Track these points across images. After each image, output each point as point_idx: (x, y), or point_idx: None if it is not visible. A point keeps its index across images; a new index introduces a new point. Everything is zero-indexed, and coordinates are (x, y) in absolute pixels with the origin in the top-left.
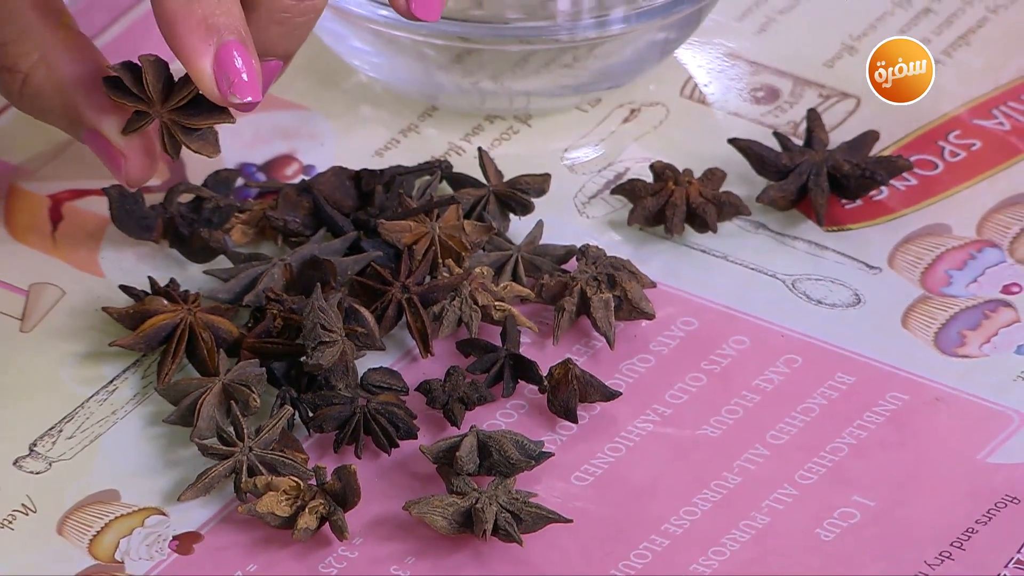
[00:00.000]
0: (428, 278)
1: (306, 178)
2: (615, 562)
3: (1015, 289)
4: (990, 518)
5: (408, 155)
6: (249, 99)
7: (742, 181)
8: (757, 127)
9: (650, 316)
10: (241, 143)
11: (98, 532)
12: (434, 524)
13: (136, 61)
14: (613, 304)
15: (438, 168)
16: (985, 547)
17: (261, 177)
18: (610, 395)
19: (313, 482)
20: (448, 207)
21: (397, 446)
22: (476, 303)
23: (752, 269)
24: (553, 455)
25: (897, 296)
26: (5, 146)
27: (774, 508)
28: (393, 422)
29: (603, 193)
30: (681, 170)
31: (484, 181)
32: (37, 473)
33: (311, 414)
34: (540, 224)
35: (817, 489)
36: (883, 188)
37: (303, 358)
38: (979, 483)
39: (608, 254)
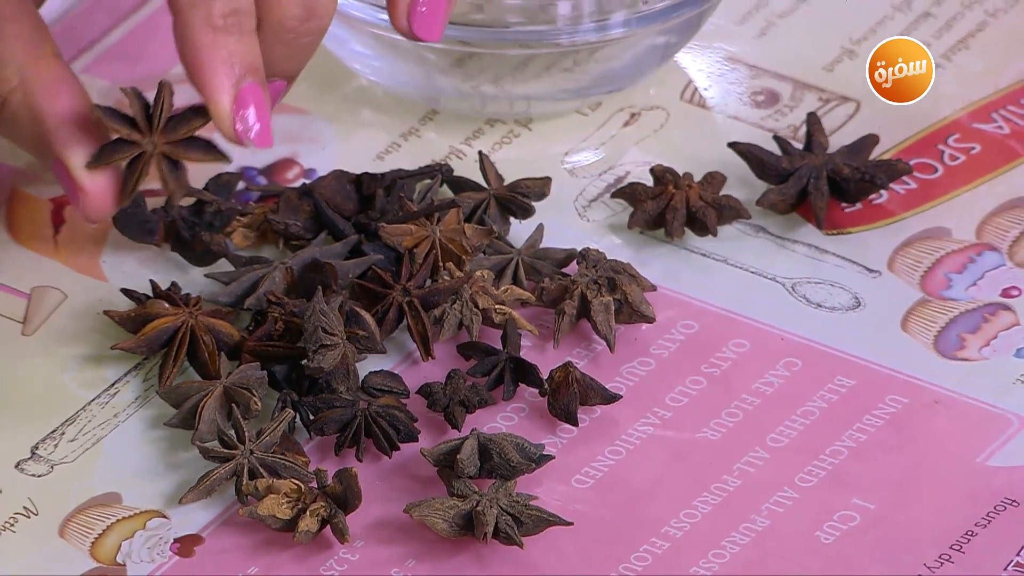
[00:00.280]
0: (429, 281)
1: (307, 182)
2: (615, 564)
3: (1014, 292)
4: (989, 521)
5: (409, 159)
6: (256, 143)
7: (742, 185)
8: (757, 131)
9: (650, 319)
10: (242, 147)
11: (100, 535)
12: (435, 527)
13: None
14: (613, 307)
15: (439, 172)
16: (984, 550)
17: (262, 181)
18: (610, 398)
19: (314, 485)
20: (449, 211)
21: (398, 449)
22: (477, 306)
23: (752, 272)
24: (553, 458)
25: (897, 299)
26: (8, 150)
27: (774, 511)
28: (394, 425)
29: (603, 197)
30: (681, 174)
31: (485, 185)
32: (39, 476)
33: (312, 417)
34: (540, 227)
35: (817, 492)
36: (883, 192)
37: (304, 361)
38: (978, 486)
39: (608, 257)
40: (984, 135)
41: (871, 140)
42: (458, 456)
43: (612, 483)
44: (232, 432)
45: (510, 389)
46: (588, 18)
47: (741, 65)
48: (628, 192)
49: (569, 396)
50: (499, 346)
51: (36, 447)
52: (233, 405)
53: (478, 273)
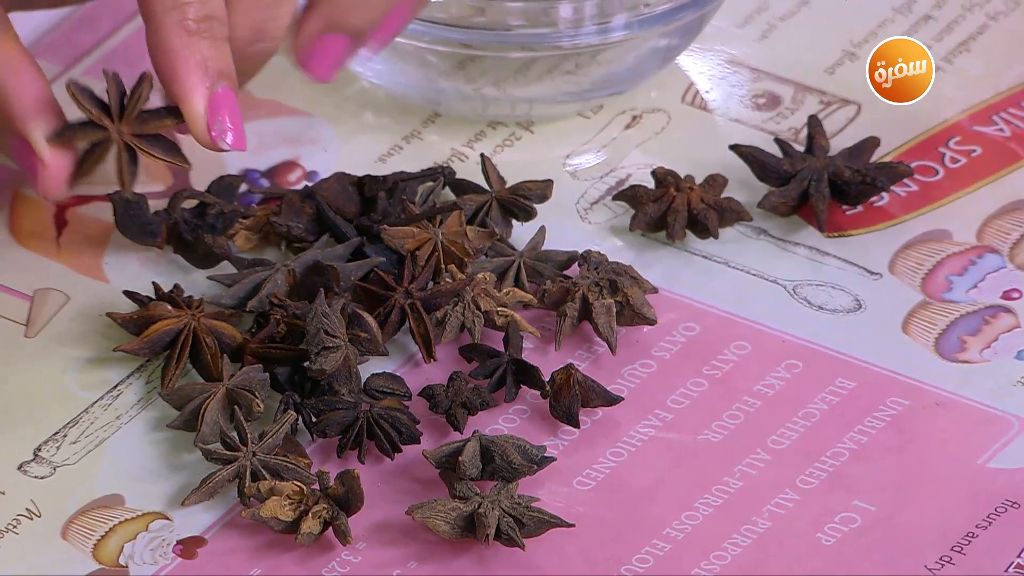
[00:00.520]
0: (431, 284)
1: (309, 184)
2: (617, 566)
3: (1015, 295)
4: (990, 523)
5: (411, 161)
6: (233, 147)
7: (743, 187)
8: (758, 133)
9: (652, 321)
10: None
11: (102, 537)
12: (437, 528)
13: (108, 77)
14: (615, 309)
15: (441, 174)
16: (985, 552)
17: (265, 183)
18: (612, 400)
19: (316, 487)
20: (451, 213)
21: (400, 451)
22: (479, 308)
23: (753, 275)
24: (555, 460)
25: (898, 301)
26: None
27: (775, 513)
28: (396, 427)
29: (605, 199)
30: (683, 176)
31: (487, 187)
32: (41, 478)
33: (314, 419)
34: (542, 230)
35: (818, 494)
36: (884, 194)
37: (306, 363)
38: (979, 488)
39: (610, 260)
40: (985, 138)
41: (872, 143)
42: (460, 458)
43: (613, 485)
44: (234, 434)
45: (512, 391)
46: (590, 21)
47: (742, 68)
48: (629, 194)
49: (571, 398)
50: (501, 348)
51: (39, 449)
52: (236, 407)
53: (480, 275)
